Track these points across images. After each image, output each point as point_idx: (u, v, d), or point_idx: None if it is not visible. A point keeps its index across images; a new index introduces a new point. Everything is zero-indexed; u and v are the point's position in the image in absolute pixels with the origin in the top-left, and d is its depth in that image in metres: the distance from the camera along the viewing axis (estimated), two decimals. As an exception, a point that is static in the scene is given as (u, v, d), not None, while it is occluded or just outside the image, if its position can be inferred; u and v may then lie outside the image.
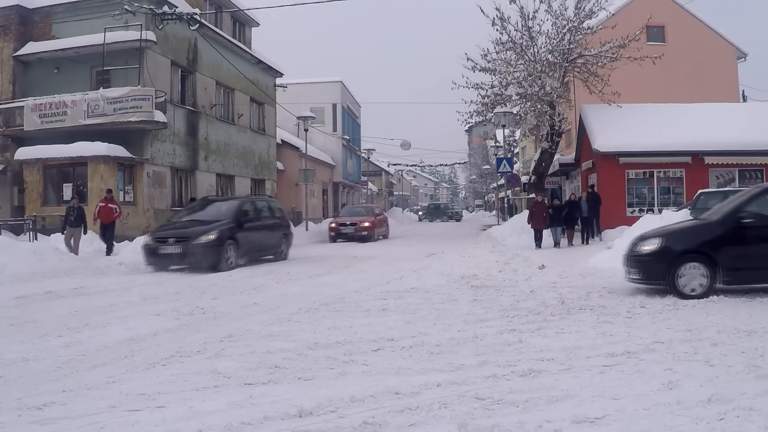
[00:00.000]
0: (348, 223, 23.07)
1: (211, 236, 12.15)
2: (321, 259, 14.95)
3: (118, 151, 17.29)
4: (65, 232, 14.31)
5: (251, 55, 25.20)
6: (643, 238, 8.25)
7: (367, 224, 22.83)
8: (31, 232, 15.74)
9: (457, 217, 52.90)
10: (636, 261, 7.97)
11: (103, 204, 14.85)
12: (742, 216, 7.70)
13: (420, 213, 57.04)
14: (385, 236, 25.26)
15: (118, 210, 15.05)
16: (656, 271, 7.73)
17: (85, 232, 14.58)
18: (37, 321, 6.69)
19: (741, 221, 7.66)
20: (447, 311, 6.90)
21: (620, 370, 4.34)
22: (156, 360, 4.87)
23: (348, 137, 42.07)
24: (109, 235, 14.86)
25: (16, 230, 16.53)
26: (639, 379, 4.11)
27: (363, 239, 22.44)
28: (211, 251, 12.05)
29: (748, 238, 7.60)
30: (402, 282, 9.75)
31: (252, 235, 13.50)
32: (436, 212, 54.23)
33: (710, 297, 7.27)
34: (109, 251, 14.55)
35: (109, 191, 15.47)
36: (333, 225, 23.38)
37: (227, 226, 12.70)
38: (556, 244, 16.42)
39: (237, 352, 5.06)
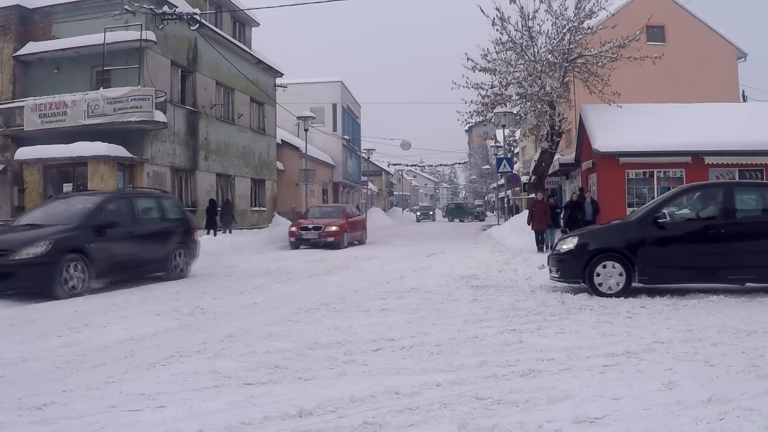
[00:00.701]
0: (311, 226, 19.41)
1: (39, 248, 8.43)
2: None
3: (118, 151, 17.29)
4: None
5: (251, 55, 25.20)
6: (564, 237, 8.56)
7: (333, 228, 19.21)
8: (31, 232, 15.70)
9: (481, 217, 51.50)
10: (556, 260, 8.26)
11: None
12: (659, 216, 7.90)
13: (418, 213, 54.71)
14: (361, 242, 21.75)
15: None
16: (574, 269, 8.00)
17: None
18: (37, 321, 6.69)
19: (657, 222, 7.86)
20: (447, 311, 6.90)
21: (620, 370, 4.34)
22: (156, 360, 4.86)
23: (348, 137, 42.07)
24: None
25: (16, 230, 16.51)
26: (639, 379, 4.11)
27: (329, 246, 18.84)
28: (39, 271, 8.30)
29: (663, 238, 7.83)
30: (402, 282, 9.75)
31: (119, 246, 9.74)
32: (457, 212, 52.44)
33: (628, 296, 7.50)
34: None
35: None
36: (293, 229, 19.71)
37: (70, 233, 9.01)
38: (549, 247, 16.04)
39: (237, 352, 5.06)
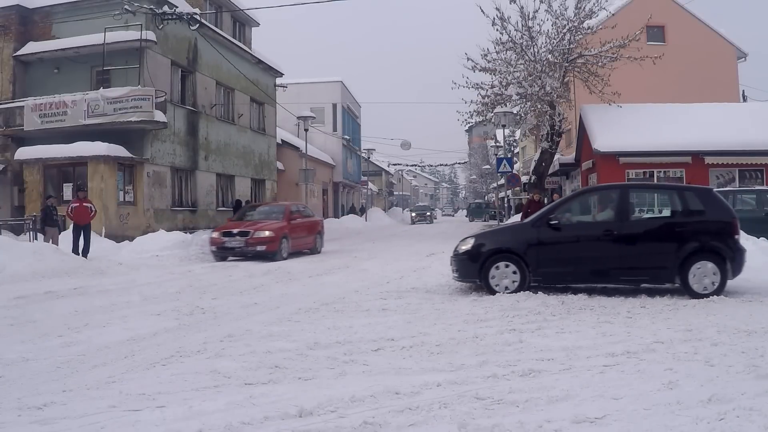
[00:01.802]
0: (236, 231, 14.63)
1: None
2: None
3: (118, 151, 17.29)
4: (45, 232, 14.03)
5: (251, 55, 25.20)
6: (464, 238, 8.65)
7: (266, 234, 14.42)
8: (31, 232, 15.72)
9: (500, 217, 51.31)
10: (455, 260, 8.41)
11: (77, 204, 13.76)
12: (552, 219, 8.04)
13: (413, 214, 47.16)
14: (312, 250, 16.67)
15: (93, 210, 14.03)
16: (471, 269, 8.17)
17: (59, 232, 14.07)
18: (37, 321, 6.69)
19: (550, 224, 8.00)
20: (447, 311, 6.90)
21: (620, 370, 4.34)
22: (156, 360, 4.87)
23: (348, 137, 42.08)
24: (85, 236, 13.65)
25: (16, 230, 16.52)
26: (639, 379, 4.11)
27: (260, 256, 14.31)
28: None
29: (556, 240, 7.98)
30: (402, 282, 9.75)
31: None
32: (478, 212, 51.68)
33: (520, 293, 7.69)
34: (85, 253, 13.47)
35: (82, 190, 14.48)
36: (215, 235, 14.94)
37: None
38: None
39: (237, 352, 5.06)
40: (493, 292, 7.87)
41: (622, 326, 5.87)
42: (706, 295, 7.34)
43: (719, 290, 7.45)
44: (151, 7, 17.40)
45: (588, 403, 3.61)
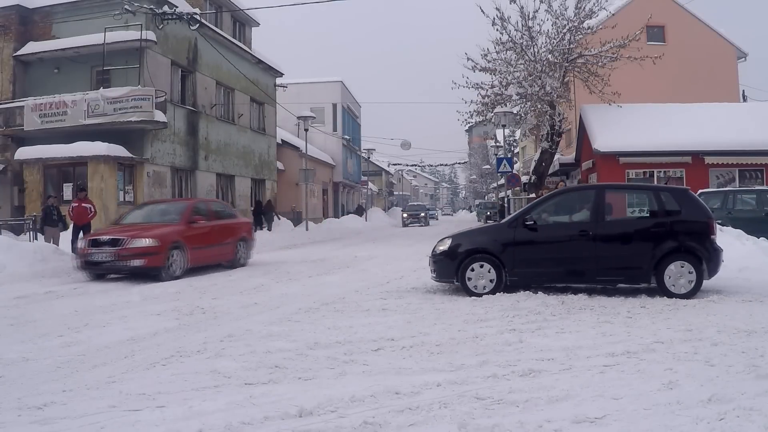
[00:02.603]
0: (106, 240, 10.65)
1: None
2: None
3: (118, 150, 17.30)
4: (45, 232, 13.99)
5: (251, 54, 25.21)
6: (441, 238, 8.71)
7: (146, 243, 10.39)
8: (31, 232, 15.73)
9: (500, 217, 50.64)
10: (433, 260, 8.45)
11: (77, 204, 13.60)
12: (528, 220, 8.08)
13: (404, 215, 40.82)
14: (232, 263, 12.55)
15: (92, 210, 13.77)
16: (448, 269, 8.21)
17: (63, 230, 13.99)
18: (37, 321, 6.69)
19: (526, 224, 8.04)
20: (447, 311, 6.89)
21: (620, 369, 4.34)
22: (156, 360, 4.86)
23: (348, 137, 42.08)
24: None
25: (16, 230, 16.53)
26: (639, 378, 4.11)
27: (138, 273, 10.51)
28: None
29: (532, 240, 8.02)
30: (402, 282, 9.75)
31: None
32: (484, 211, 52.08)
33: (497, 294, 7.74)
34: None
35: (82, 190, 14.35)
36: (82, 247, 10.95)
37: None
38: None
39: (237, 351, 5.06)
40: (470, 292, 7.93)
41: (622, 326, 5.87)
42: (682, 296, 7.35)
43: (695, 291, 7.46)
44: (151, 7, 17.40)
45: (588, 403, 3.61)
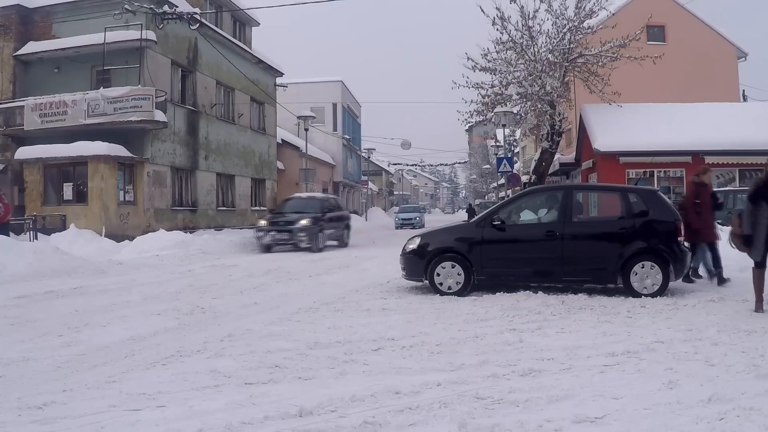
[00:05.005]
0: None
1: None
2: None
3: (119, 150, 17.29)
4: None
5: (251, 54, 25.20)
6: (411, 237, 8.79)
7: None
8: (31, 232, 15.73)
9: None
10: (403, 258, 8.55)
11: None
12: (495, 219, 8.12)
13: (396, 218, 37.81)
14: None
15: (2, 210, 13.01)
16: (417, 268, 8.29)
17: None
18: (37, 320, 6.68)
19: (494, 224, 8.08)
20: (447, 310, 6.89)
21: (620, 369, 4.34)
22: (156, 359, 4.86)
23: (348, 137, 42.07)
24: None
25: (17, 230, 16.51)
26: (639, 378, 4.11)
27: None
28: None
29: (499, 240, 8.06)
30: (402, 281, 9.73)
31: None
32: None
33: (469, 295, 7.79)
34: None
35: None
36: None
37: None
38: None
39: (237, 351, 5.06)
40: (439, 291, 7.96)
41: (622, 326, 5.87)
42: (648, 295, 7.39)
43: (661, 291, 7.50)
44: (151, 6, 17.41)
45: (588, 403, 3.61)
